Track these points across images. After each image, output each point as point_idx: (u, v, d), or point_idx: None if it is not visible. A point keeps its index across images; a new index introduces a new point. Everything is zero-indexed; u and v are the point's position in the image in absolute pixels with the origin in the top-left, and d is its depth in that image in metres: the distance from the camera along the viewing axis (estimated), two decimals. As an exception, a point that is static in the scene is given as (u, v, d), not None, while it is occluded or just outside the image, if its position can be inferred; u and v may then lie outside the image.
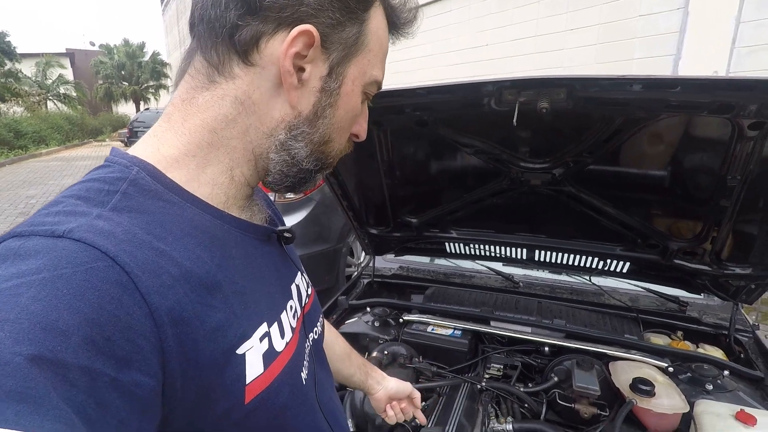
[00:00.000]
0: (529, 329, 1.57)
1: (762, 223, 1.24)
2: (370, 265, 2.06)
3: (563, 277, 1.85)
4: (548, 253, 1.67)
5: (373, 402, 1.01)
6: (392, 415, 0.98)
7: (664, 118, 1.04)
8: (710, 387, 1.26)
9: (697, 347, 1.49)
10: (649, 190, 1.32)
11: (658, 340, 1.53)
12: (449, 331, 1.60)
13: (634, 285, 1.70)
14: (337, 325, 1.74)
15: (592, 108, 1.02)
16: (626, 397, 1.21)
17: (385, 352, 1.51)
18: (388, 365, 1.48)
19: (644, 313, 1.58)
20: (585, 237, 1.55)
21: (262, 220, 0.58)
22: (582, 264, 1.66)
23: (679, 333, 1.56)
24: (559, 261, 1.69)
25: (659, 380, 1.28)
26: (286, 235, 0.61)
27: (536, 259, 1.72)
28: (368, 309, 1.78)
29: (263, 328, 0.48)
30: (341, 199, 1.72)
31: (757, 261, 1.33)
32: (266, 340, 0.48)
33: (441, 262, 2.14)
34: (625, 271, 1.63)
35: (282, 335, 0.52)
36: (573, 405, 1.28)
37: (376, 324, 1.70)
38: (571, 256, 1.65)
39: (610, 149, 1.17)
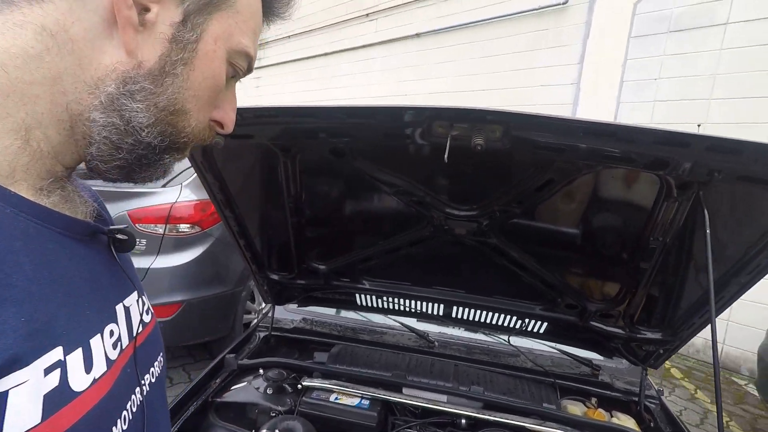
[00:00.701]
0: (444, 398, 1.39)
1: (673, 287, 1.23)
2: (270, 315, 1.76)
3: (479, 336, 1.72)
4: (467, 310, 1.54)
5: None
6: None
7: (598, 169, 0.98)
8: (631, 465, 1.17)
9: (612, 416, 1.42)
10: (573, 249, 1.26)
11: (575, 408, 1.44)
12: (356, 401, 1.35)
13: (549, 346, 1.63)
14: (222, 391, 1.40)
15: (527, 151, 0.91)
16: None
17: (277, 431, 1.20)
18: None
19: (560, 378, 1.49)
20: (506, 294, 1.45)
21: (83, 213, 0.44)
22: (500, 323, 1.55)
23: (594, 400, 1.49)
24: (477, 319, 1.56)
25: (582, 460, 1.17)
26: (120, 237, 0.47)
27: (453, 316, 1.57)
28: (261, 371, 1.46)
29: (55, 354, 0.34)
30: (238, 237, 1.44)
31: (665, 325, 1.32)
32: (57, 373, 0.34)
33: (350, 315, 1.90)
34: (542, 331, 1.55)
35: (88, 368, 0.38)
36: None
37: (269, 391, 1.39)
38: (490, 314, 1.53)
39: (540, 200, 1.09)
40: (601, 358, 1.60)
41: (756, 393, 3.38)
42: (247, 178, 1.34)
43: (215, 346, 3.09)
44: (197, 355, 3.26)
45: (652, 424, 1.40)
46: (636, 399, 1.45)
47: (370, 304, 1.67)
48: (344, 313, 1.94)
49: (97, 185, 0.53)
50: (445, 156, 0.84)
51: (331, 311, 1.95)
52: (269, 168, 1.26)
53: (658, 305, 1.29)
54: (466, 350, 1.63)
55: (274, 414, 1.33)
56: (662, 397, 1.49)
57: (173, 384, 2.88)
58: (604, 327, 1.39)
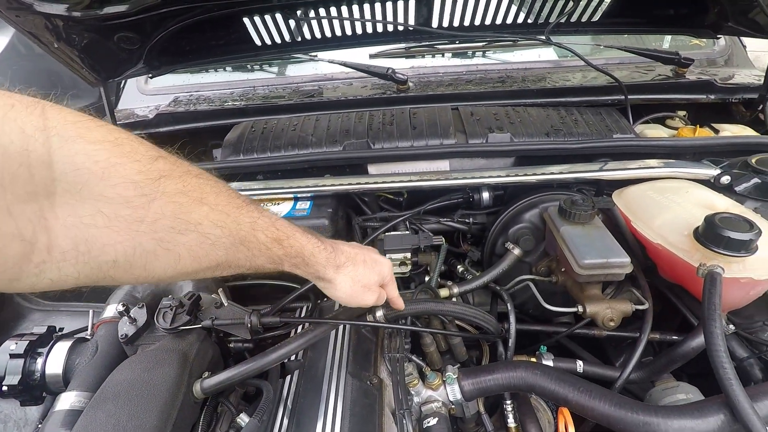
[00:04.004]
0: (446, 164, 0.76)
1: None
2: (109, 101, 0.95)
3: (478, 60, 1.01)
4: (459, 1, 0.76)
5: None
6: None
7: None
8: (798, 198, 0.63)
9: (716, 132, 0.85)
10: None
11: (655, 133, 0.86)
12: (285, 208, 0.72)
13: (596, 44, 0.95)
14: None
15: None
16: (693, 264, 0.52)
17: (141, 305, 0.58)
18: (138, 339, 0.56)
19: (633, 91, 0.86)
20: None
21: None
22: (519, 20, 0.81)
23: (683, 114, 0.90)
24: (479, 18, 0.80)
25: (720, 208, 0.62)
26: None
27: (436, 23, 0.81)
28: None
29: None
30: None
31: None
32: None
33: (256, 75, 1.11)
34: (596, 18, 0.84)
35: None
36: (577, 308, 0.57)
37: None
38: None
39: None
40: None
41: None
42: None
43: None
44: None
45: None
46: (755, 97, 0.87)
47: (277, 39, 0.87)
48: (245, 75, 1.13)
49: None
50: None
51: (223, 76, 1.14)
52: None
53: None
54: (464, 85, 0.93)
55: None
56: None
57: None
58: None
